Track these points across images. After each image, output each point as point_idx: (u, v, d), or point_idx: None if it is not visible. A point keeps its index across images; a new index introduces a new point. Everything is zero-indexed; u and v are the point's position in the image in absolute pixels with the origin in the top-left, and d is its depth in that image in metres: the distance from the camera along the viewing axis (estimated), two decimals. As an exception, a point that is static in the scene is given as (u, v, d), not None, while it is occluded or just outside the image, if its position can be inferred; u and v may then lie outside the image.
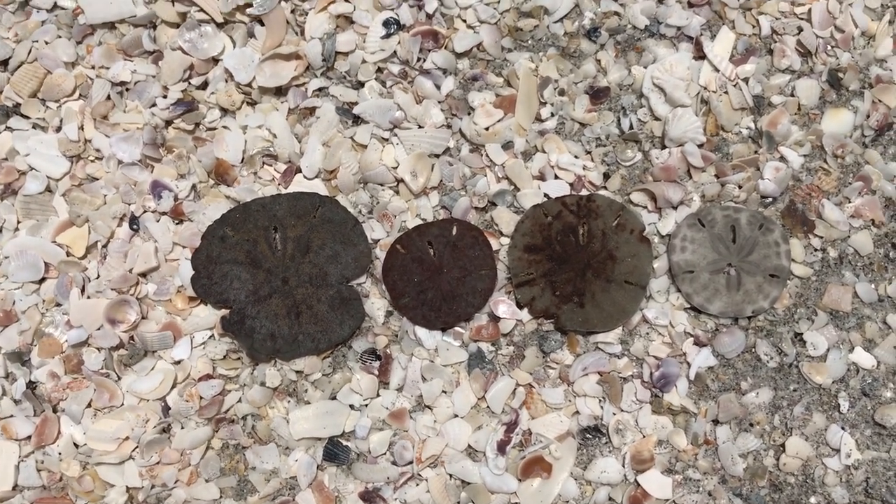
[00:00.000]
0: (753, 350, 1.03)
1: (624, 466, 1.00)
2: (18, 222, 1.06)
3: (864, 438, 1.01)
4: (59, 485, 1.00)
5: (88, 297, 1.02)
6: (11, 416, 1.00)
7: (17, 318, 1.03)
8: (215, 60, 1.09)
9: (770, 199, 1.06)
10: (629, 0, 1.11)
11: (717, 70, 1.08)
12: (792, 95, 1.09)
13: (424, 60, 1.09)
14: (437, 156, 1.07)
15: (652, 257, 1.03)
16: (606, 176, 1.07)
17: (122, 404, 1.01)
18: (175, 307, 1.03)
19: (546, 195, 1.06)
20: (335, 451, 1.00)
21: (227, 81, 1.09)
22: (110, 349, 1.01)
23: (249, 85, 1.08)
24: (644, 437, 1.01)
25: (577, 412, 1.02)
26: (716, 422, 1.01)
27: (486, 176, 1.07)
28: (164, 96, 1.08)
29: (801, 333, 1.03)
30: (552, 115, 1.08)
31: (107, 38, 1.11)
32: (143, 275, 1.04)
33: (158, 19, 1.09)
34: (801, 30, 1.10)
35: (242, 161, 1.07)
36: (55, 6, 1.11)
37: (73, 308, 1.01)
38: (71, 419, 1.00)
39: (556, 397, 1.01)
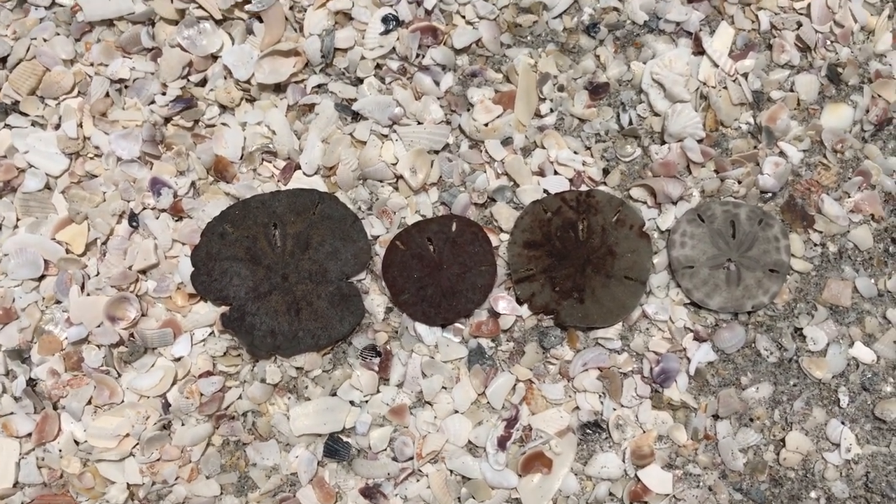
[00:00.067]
0: (753, 345, 1.03)
1: (624, 462, 1.00)
2: (18, 220, 1.06)
3: (864, 433, 1.02)
4: (59, 482, 1.00)
5: (88, 295, 1.02)
6: (12, 413, 1.00)
7: (17, 315, 1.03)
8: (214, 57, 1.09)
9: (769, 195, 1.06)
10: (628, -5, 1.11)
11: (716, 65, 1.08)
12: (791, 90, 1.09)
13: (423, 56, 1.09)
14: (437, 152, 1.07)
15: (652, 253, 1.03)
16: (606, 171, 1.07)
17: (123, 401, 1.01)
18: (175, 304, 1.03)
19: (545, 191, 1.06)
20: (336, 448, 1.00)
21: (226, 78, 1.09)
22: (110, 346, 1.01)
23: (248, 82, 1.08)
24: (644, 432, 1.01)
25: (578, 408, 1.02)
26: (716, 417, 1.02)
27: (485, 172, 1.07)
28: (163, 93, 1.08)
29: (801, 328, 1.03)
30: (551, 110, 1.08)
31: (105, 35, 1.11)
32: (143, 272, 1.04)
33: (157, 16, 1.09)
34: (800, 25, 1.10)
35: (242, 158, 1.07)
36: (53, 3, 1.11)
37: (73, 305, 1.01)
38: (71, 416, 1.00)
39: (557, 393, 1.01)
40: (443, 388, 1.02)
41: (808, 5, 1.10)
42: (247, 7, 1.08)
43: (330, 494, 1.00)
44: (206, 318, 1.02)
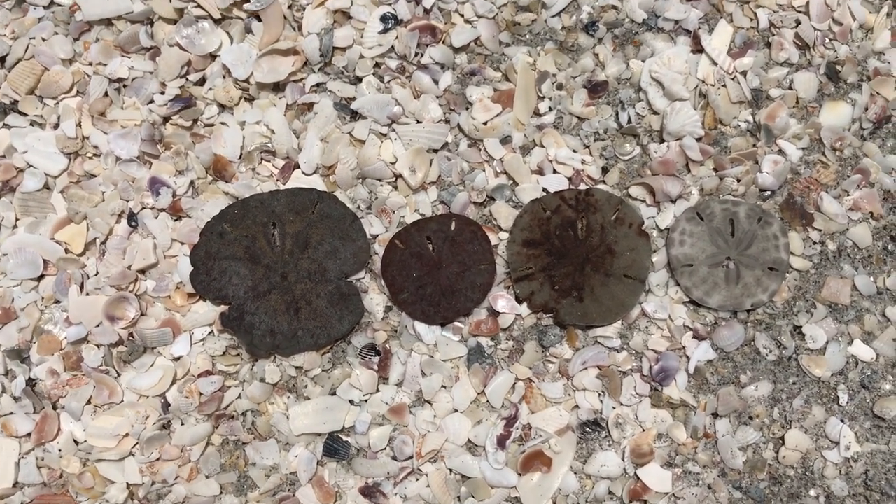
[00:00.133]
0: (752, 343, 1.03)
1: (624, 460, 1.00)
2: (17, 219, 1.06)
3: (864, 431, 1.02)
4: (59, 482, 1.00)
5: (87, 294, 1.03)
6: (11, 413, 1.00)
7: (16, 315, 1.03)
8: (213, 56, 1.09)
9: (768, 193, 1.06)
10: (627, -6, 1.11)
11: (715, 63, 1.08)
12: (790, 88, 1.09)
13: (422, 55, 1.09)
14: (436, 151, 1.07)
15: (651, 251, 1.03)
16: (605, 170, 1.07)
17: (122, 401, 1.01)
18: (174, 304, 1.03)
19: (545, 189, 1.06)
20: (335, 447, 1.00)
21: (224, 77, 1.09)
22: (109, 346, 1.01)
23: (247, 81, 1.08)
24: (643, 430, 1.01)
25: (577, 406, 1.02)
26: (715, 415, 1.02)
27: (484, 171, 1.07)
28: (162, 93, 1.08)
29: (800, 326, 1.03)
30: (550, 109, 1.08)
31: (104, 34, 1.11)
32: (142, 271, 1.04)
33: (155, 15, 1.09)
34: (798, 23, 1.10)
35: (241, 157, 1.07)
36: (52, 3, 1.11)
37: (72, 305, 1.01)
38: (71, 416, 1.00)
39: (556, 391, 1.01)
40: (442, 386, 1.02)
41: (807, 3, 1.10)
42: (245, 6, 1.08)
43: (329, 494, 1.00)
44: (205, 318, 1.02)
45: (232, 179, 1.07)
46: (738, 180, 1.06)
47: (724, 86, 1.08)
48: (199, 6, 1.08)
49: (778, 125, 1.06)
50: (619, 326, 1.03)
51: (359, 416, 1.00)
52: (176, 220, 1.06)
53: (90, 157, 1.08)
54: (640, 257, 1.02)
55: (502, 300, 1.02)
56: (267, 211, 1.03)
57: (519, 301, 1.03)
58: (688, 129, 1.05)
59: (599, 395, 1.02)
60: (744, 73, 1.08)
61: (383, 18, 1.08)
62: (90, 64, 1.10)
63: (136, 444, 1.00)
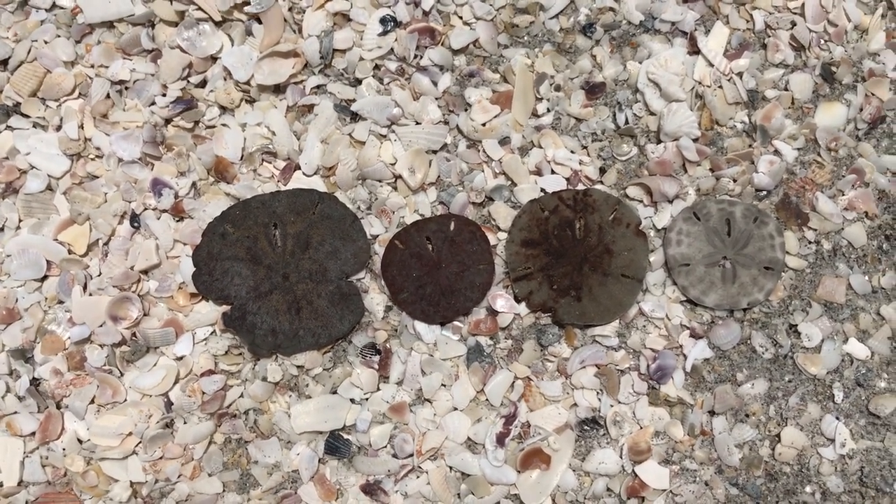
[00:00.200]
0: (749, 342, 1.04)
1: (622, 457, 1.01)
2: (20, 221, 1.07)
3: (859, 428, 1.03)
4: (63, 480, 1.01)
5: (90, 295, 1.03)
6: (16, 412, 1.01)
7: (20, 315, 1.03)
8: (214, 59, 1.10)
9: (764, 193, 1.07)
10: (624, -4, 1.12)
11: (711, 65, 1.08)
12: (786, 89, 1.10)
13: (421, 57, 1.10)
14: (435, 152, 1.08)
15: (648, 251, 1.04)
16: (602, 170, 1.08)
17: (125, 400, 1.02)
18: (176, 304, 1.04)
19: (543, 190, 1.06)
20: (336, 445, 1.01)
21: (225, 79, 1.09)
22: (113, 346, 1.02)
23: (248, 83, 1.08)
24: (641, 428, 1.02)
25: (575, 404, 1.03)
26: (712, 413, 1.03)
27: (483, 171, 1.08)
28: (164, 94, 1.09)
29: (796, 325, 1.04)
30: (548, 110, 1.09)
31: (105, 37, 1.11)
32: (145, 272, 1.05)
33: (157, 18, 1.10)
34: (794, 24, 1.10)
35: (242, 158, 1.08)
36: (54, 6, 1.11)
37: (76, 305, 1.02)
38: (74, 415, 1.01)
39: (555, 390, 1.02)
40: (442, 385, 1.02)
41: (802, 5, 1.11)
42: (246, 9, 1.09)
43: (331, 491, 1.00)
44: (207, 318, 1.03)
45: (233, 180, 1.07)
46: (735, 180, 1.07)
47: (721, 87, 1.08)
48: (199, 9, 1.08)
49: (774, 126, 1.07)
50: (617, 325, 1.04)
51: (360, 415, 1.01)
52: (178, 220, 1.07)
53: (92, 159, 1.08)
54: (637, 257, 1.03)
55: (501, 300, 1.03)
56: (268, 212, 1.04)
57: (518, 300, 1.04)
58: (684, 129, 1.06)
59: (598, 393, 1.03)
60: (740, 75, 1.09)
61: (382, 21, 1.09)
62: (92, 66, 1.10)
63: (140, 442, 1.01)
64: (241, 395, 1.02)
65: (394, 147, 1.07)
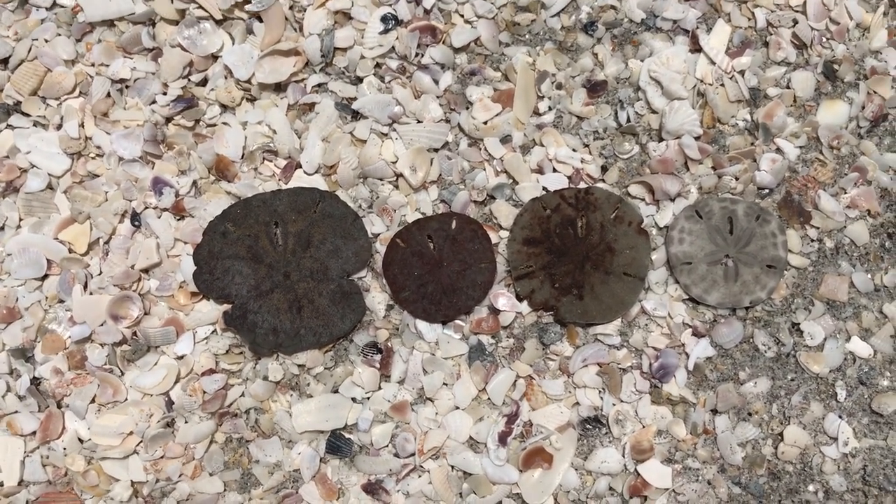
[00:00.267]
0: (751, 340, 1.04)
1: (624, 456, 1.01)
2: (20, 220, 1.06)
3: (862, 427, 1.02)
4: (64, 479, 1.01)
5: (91, 294, 1.03)
6: (16, 412, 1.01)
7: (21, 314, 1.03)
8: (214, 57, 1.10)
9: (767, 191, 1.07)
10: (625, -6, 1.12)
11: (713, 63, 1.08)
12: (788, 87, 1.10)
13: (422, 55, 1.10)
14: (436, 150, 1.08)
15: (650, 249, 1.04)
16: (604, 169, 1.08)
17: (126, 399, 1.02)
18: (177, 303, 1.04)
19: (544, 188, 1.06)
20: (338, 444, 1.01)
21: (226, 78, 1.09)
22: (113, 345, 1.02)
23: (249, 81, 1.08)
24: (644, 427, 1.02)
25: (578, 403, 1.03)
26: (714, 411, 1.02)
27: (484, 170, 1.08)
28: (164, 93, 1.09)
29: (799, 323, 1.04)
30: (550, 108, 1.09)
31: (106, 35, 1.11)
32: (145, 271, 1.04)
33: (157, 16, 1.10)
34: (796, 22, 1.10)
35: (243, 157, 1.07)
36: (54, 4, 1.11)
37: (76, 304, 1.02)
38: (75, 414, 1.01)
39: (557, 389, 1.02)
40: (444, 384, 1.02)
41: (804, 3, 1.11)
42: (247, 7, 1.09)
43: (332, 491, 1.00)
44: (208, 317, 1.03)
45: (234, 179, 1.07)
46: (737, 178, 1.06)
47: (723, 85, 1.08)
48: (200, 7, 1.08)
49: (776, 124, 1.07)
50: (619, 324, 1.04)
51: (361, 414, 1.01)
52: (179, 219, 1.06)
53: (93, 158, 1.08)
54: (639, 255, 1.03)
55: (503, 298, 1.03)
56: (269, 210, 1.04)
57: (519, 299, 1.03)
58: (686, 127, 1.06)
59: (600, 391, 1.03)
60: (742, 73, 1.09)
61: (384, 19, 1.09)
62: (93, 65, 1.10)
63: (141, 442, 1.01)
64: (242, 395, 1.02)
65: (395, 145, 1.07)
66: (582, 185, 1.07)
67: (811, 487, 1.01)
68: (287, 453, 1.01)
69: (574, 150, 1.08)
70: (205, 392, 1.01)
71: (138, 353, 1.02)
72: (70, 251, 1.04)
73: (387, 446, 1.02)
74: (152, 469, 1.00)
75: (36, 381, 1.02)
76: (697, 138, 1.07)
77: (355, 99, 1.08)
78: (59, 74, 1.09)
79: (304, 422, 1.01)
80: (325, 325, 1.01)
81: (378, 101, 1.07)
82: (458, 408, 1.02)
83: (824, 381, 1.03)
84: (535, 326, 1.04)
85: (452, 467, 1.01)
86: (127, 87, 1.10)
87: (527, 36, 1.11)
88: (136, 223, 1.05)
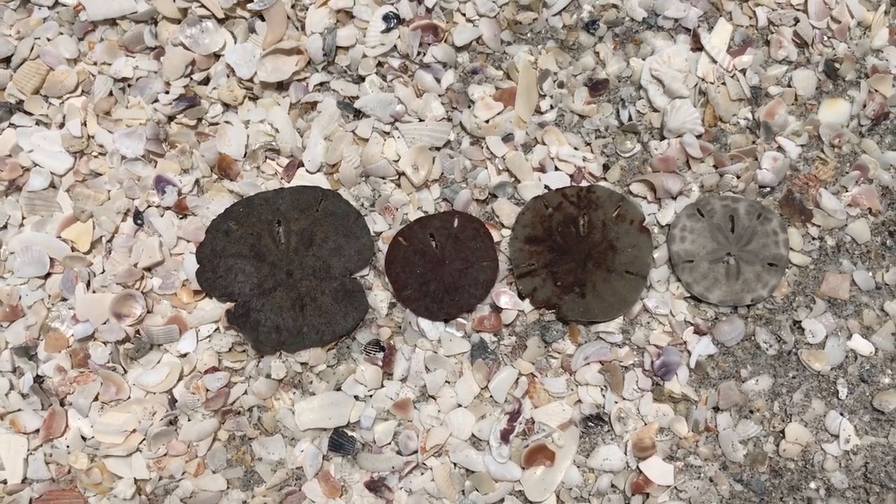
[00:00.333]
0: (753, 338, 1.04)
1: (626, 454, 1.01)
2: (23, 218, 1.06)
3: (863, 424, 1.03)
4: (67, 477, 1.01)
5: (94, 292, 1.03)
6: (19, 409, 1.01)
7: (24, 313, 1.03)
8: (217, 56, 1.10)
9: (768, 189, 1.07)
10: (627, -8, 1.12)
11: (714, 61, 1.09)
12: (789, 86, 1.10)
13: (424, 54, 1.10)
14: (438, 149, 1.08)
15: (652, 247, 1.04)
16: (606, 167, 1.08)
17: (129, 397, 1.02)
18: (180, 301, 1.04)
19: (546, 187, 1.06)
20: (340, 442, 1.01)
21: (228, 77, 1.09)
22: (116, 343, 1.02)
23: (251, 80, 1.08)
24: (645, 424, 1.02)
25: (580, 401, 1.03)
26: (716, 409, 1.03)
27: (486, 168, 1.08)
28: (167, 92, 1.09)
29: (800, 321, 1.04)
30: (552, 107, 1.09)
31: (108, 34, 1.11)
32: (148, 269, 1.05)
33: (159, 15, 1.10)
34: (797, 21, 1.10)
35: (245, 156, 1.08)
36: (56, 3, 1.11)
37: (79, 303, 1.02)
38: (78, 412, 1.01)
39: (559, 386, 1.02)
40: (446, 382, 1.02)
41: (806, 1, 1.11)
42: (249, 6, 1.09)
43: (335, 488, 1.00)
44: (211, 315, 1.03)
45: (237, 178, 1.07)
46: (738, 177, 1.07)
47: (724, 83, 1.08)
48: (202, 6, 1.08)
49: (777, 122, 1.07)
50: (621, 322, 1.04)
51: (364, 412, 1.01)
52: (181, 218, 1.06)
53: (96, 156, 1.08)
54: (641, 253, 1.03)
55: (505, 296, 1.03)
56: (272, 209, 1.04)
57: (521, 297, 1.04)
58: (688, 126, 1.06)
59: (602, 389, 1.03)
60: (743, 71, 1.09)
61: (385, 18, 1.09)
62: (95, 63, 1.10)
63: (144, 439, 1.01)
64: (245, 392, 1.02)
65: (397, 144, 1.07)
66: (584, 184, 1.07)
67: (813, 485, 1.01)
68: (290, 451, 1.01)
69: (576, 148, 1.08)
70: (208, 390, 1.01)
71: (141, 351, 1.02)
72: (73, 249, 1.05)
73: (389, 444, 1.02)
74: (155, 467, 1.01)
75: (39, 380, 1.02)
76: (699, 137, 1.07)
77: (357, 98, 1.09)
78: (62, 73, 1.09)
79: (307, 419, 1.01)
80: (328, 323, 1.01)
81: (380, 99, 1.07)
82: (460, 405, 1.02)
83: (826, 378, 1.04)
84: (537, 324, 1.04)
85: (455, 465, 1.02)
86: (129, 85, 1.10)
87: (528, 34, 1.11)
88: (139, 222, 1.05)
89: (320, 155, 1.07)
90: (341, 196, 1.05)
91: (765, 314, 1.04)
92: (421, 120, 1.08)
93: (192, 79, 1.10)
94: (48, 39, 1.10)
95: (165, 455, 1.01)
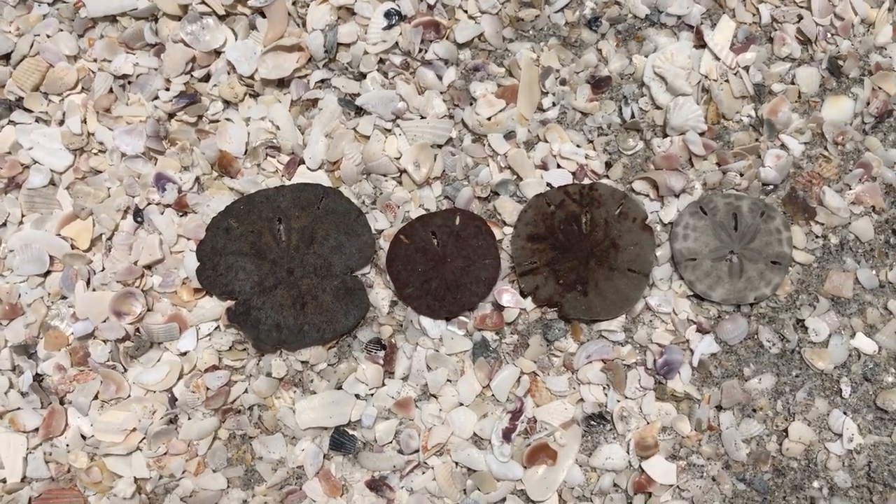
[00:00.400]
0: (756, 336, 1.04)
1: (628, 453, 1.01)
2: (23, 216, 1.06)
3: (866, 423, 1.02)
4: (67, 476, 1.00)
5: (94, 290, 1.03)
6: (19, 408, 1.01)
7: (23, 311, 1.03)
8: (217, 53, 1.10)
9: (771, 187, 1.07)
10: (630, -11, 1.12)
11: (717, 59, 1.08)
12: (792, 83, 1.09)
13: (426, 51, 1.09)
14: (440, 146, 1.08)
15: (654, 245, 1.04)
16: (608, 165, 1.08)
17: (129, 396, 1.01)
18: (180, 299, 1.04)
19: (548, 184, 1.06)
20: (341, 441, 1.00)
21: (229, 74, 1.09)
22: (116, 341, 1.02)
23: (252, 77, 1.08)
24: (648, 423, 1.02)
25: (582, 399, 1.02)
26: (719, 408, 1.02)
27: (488, 166, 1.07)
28: (167, 89, 1.08)
29: (803, 320, 1.03)
30: (554, 104, 1.08)
31: (108, 31, 1.11)
32: (148, 267, 1.04)
33: (160, 12, 1.09)
34: (800, 18, 1.10)
35: (246, 153, 1.07)
36: (56, 0, 1.11)
37: (79, 301, 1.01)
38: (78, 411, 1.01)
39: (561, 385, 1.02)
40: (448, 380, 1.02)
41: (809, -2, 1.11)
42: (249, 2, 1.08)
43: (336, 487, 1.00)
44: (211, 313, 1.03)
45: (237, 175, 1.07)
46: (741, 175, 1.06)
47: (727, 81, 1.08)
48: (203, 2, 1.08)
49: (780, 120, 1.07)
50: (624, 320, 1.04)
51: (365, 410, 1.01)
52: (182, 215, 1.06)
53: (95, 154, 1.08)
54: (643, 251, 1.03)
55: (507, 294, 1.03)
56: (272, 206, 1.03)
57: (523, 295, 1.03)
58: (691, 123, 1.06)
59: (604, 388, 1.03)
60: (746, 69, 1.09)
61: (387, 15, 1.08)
62: (95, 60, 1.10)
63: (144, 438, 1.00)
64: (246, 391, 1.02)
65: (398, 141, 1.07)
66: (586, 181, 1.06)
67: (816, 484, 1.01)
68: (290, 450, 1.01)
69: (578, 146, 1.08)
70: (208, 388, 1.01)
71: (141, 349, 1.02)
72: (72, 247, 1.04)
73: (391, 443, 1.01)
74: (155, 466, 1.00)
75: (38, 378, 1.02)
76: (702, 134, 1.07)
77: (359, 95, 1.08)
78: (62, 70, 1.08)
79: (308, 418, 1.00)
80: (329, 322, 1.01)
81: (381, 96, 1.07)
82: (462, 404, 1.02)
83: (829, 377, 1.03)
84: (539, 323, 1.04)
85: (456, 464, 1.01)
86: (129, 82, 1.10)
87: (531, 31, 1.11)
88: (139, 219, 1.05)
89: (321, 152, 1.06)
90: (342, 193, 1.05)
91: (768, 312, 1.04)
92: (422, 117, 1.08)
93: (192, 76, 1.09)
94: (48, 36, 1.10)
95: (165, 454, 1.00)
